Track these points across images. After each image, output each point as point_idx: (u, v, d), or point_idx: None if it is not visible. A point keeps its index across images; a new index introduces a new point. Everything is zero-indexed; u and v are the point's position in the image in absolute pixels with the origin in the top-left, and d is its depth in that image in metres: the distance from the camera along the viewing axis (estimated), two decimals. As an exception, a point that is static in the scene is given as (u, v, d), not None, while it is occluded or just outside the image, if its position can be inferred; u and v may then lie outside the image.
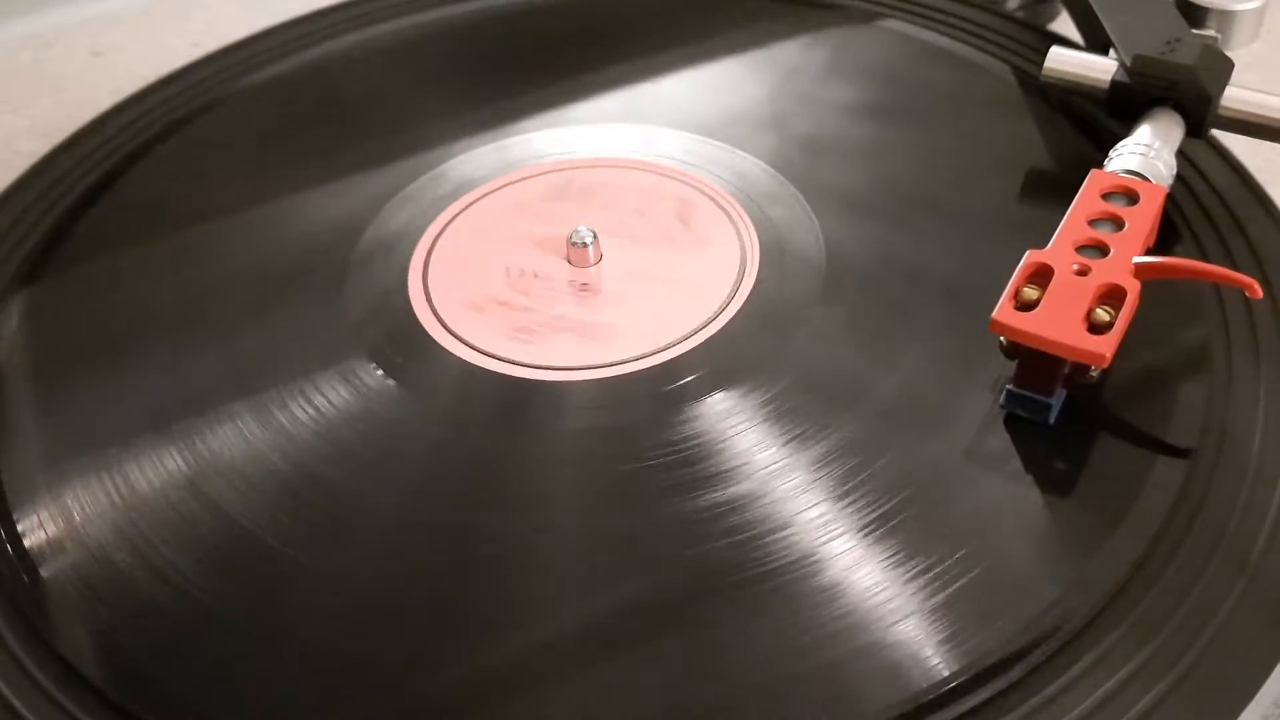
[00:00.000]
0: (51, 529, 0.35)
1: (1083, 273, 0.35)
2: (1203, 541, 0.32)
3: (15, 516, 0.35)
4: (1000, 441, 0.35)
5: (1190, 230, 0.41)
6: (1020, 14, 0.55)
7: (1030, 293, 0.34)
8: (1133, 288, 0.34)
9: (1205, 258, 0.40)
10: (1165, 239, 0.41)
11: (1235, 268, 0.40)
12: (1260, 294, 0.33)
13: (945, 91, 0.49)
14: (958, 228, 0.42)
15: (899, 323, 0.39)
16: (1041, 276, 0.35)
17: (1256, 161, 0.44)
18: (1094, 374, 0.34)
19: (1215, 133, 0.44)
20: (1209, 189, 0.43)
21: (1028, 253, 0.35)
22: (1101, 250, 0.36)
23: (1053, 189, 0.39)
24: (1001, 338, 0.35)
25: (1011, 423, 0.35)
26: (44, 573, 0.34)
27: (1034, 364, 0.34)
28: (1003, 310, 0.34)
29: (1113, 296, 0.34)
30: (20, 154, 0.52)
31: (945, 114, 0.48)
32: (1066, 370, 0.34)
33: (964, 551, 0.32)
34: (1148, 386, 0.36)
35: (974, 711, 0.29)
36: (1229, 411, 0.35)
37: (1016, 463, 0.34)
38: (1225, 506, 0.33)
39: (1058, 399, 0.35)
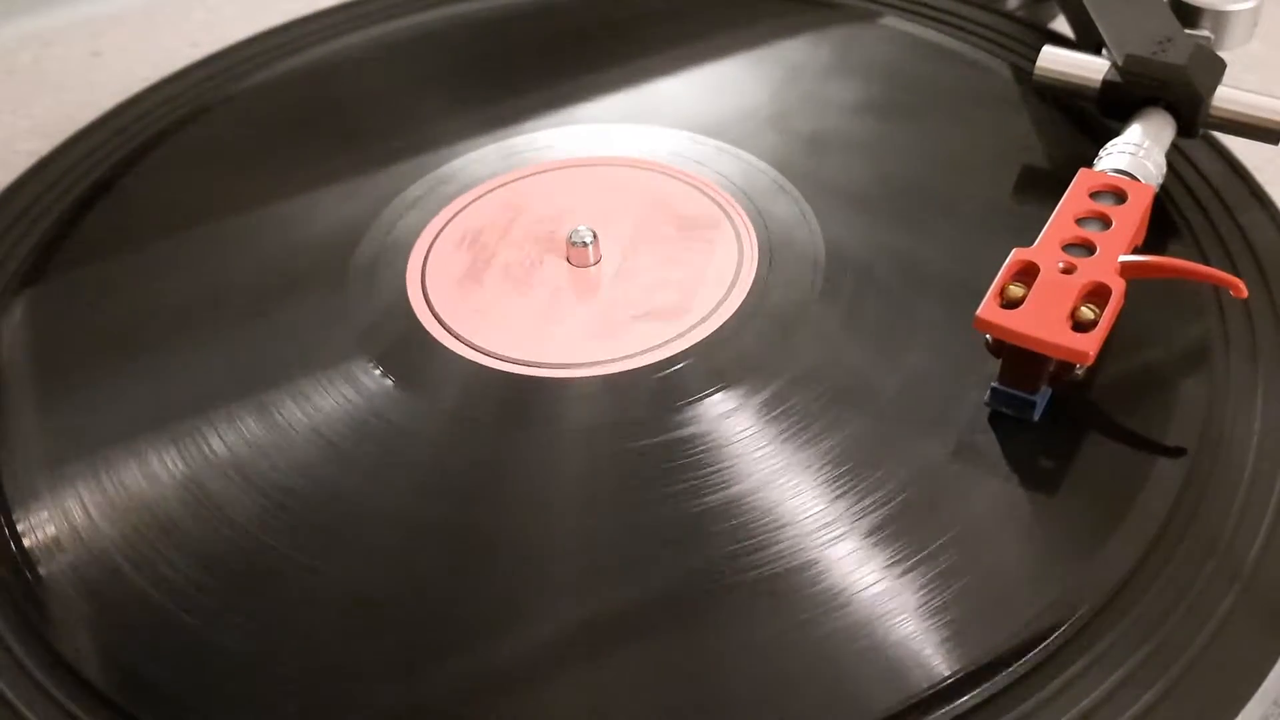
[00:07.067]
0: (51, 529, 0.35)
1: (1068, 271, 0.35)
2: (1201, 541, 0.32)
3: (15, 516, 0.36)
4: (1000, 442, 0.35)
5: (1189, 229, 0.42)
6: (1020, 13, 0.55)
7: (1015, 290, 0.34)
8: (1118, 286, 0.34)
9: (1203, 257, 0.40)
10: (1163, 237, 0.41)
11: (1234, 266, 0.40)
12: (1245, 294, 0.33)
13: (945, 90, 0.49)
14: (958, 226, 0.43)
15: (899, 321, 0.39)
16: (1027, 274, 0.35)
17: (1256, 161, 0.44)
18: (1079, 372, 0.35)
19: (1214, 132, 0.44)
20: (1208, 188, 0.43)
21: (1014, 250, 0.35)
22: (1088, 249, 0.36)
23: (1052, 188, 0.39)
24: (987, 335, 0.35)
25: (1011, 423, 0.35)
26: (44, 573, 0.34)
27: (1018, 361, 0.34)
28: (987, 308, 0.34)
29: (1098, 295, 0.34)
30: (20, 154, 0.52)
31: (944, 112, 0.48)
32: (1051, 368, 0.34)
33: (963, 551, 0.32)
34: (1146, 387, 0.36)
35: (973, 711, 0.29)
36: (1227, 411, 0.36)
37: (1016, 463, 0.34)
38: (1223, 506, 0.33)
39: (1042, 397, 0.35)
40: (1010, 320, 0.34)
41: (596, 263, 0.42)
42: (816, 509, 0.34)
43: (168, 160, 0.50)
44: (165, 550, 0.34)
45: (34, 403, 0.39)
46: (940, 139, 0.47)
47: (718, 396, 0.37)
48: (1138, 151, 0.40)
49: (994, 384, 0.35)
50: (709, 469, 0.35)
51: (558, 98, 0.50)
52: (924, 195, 0.44)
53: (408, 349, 0.40)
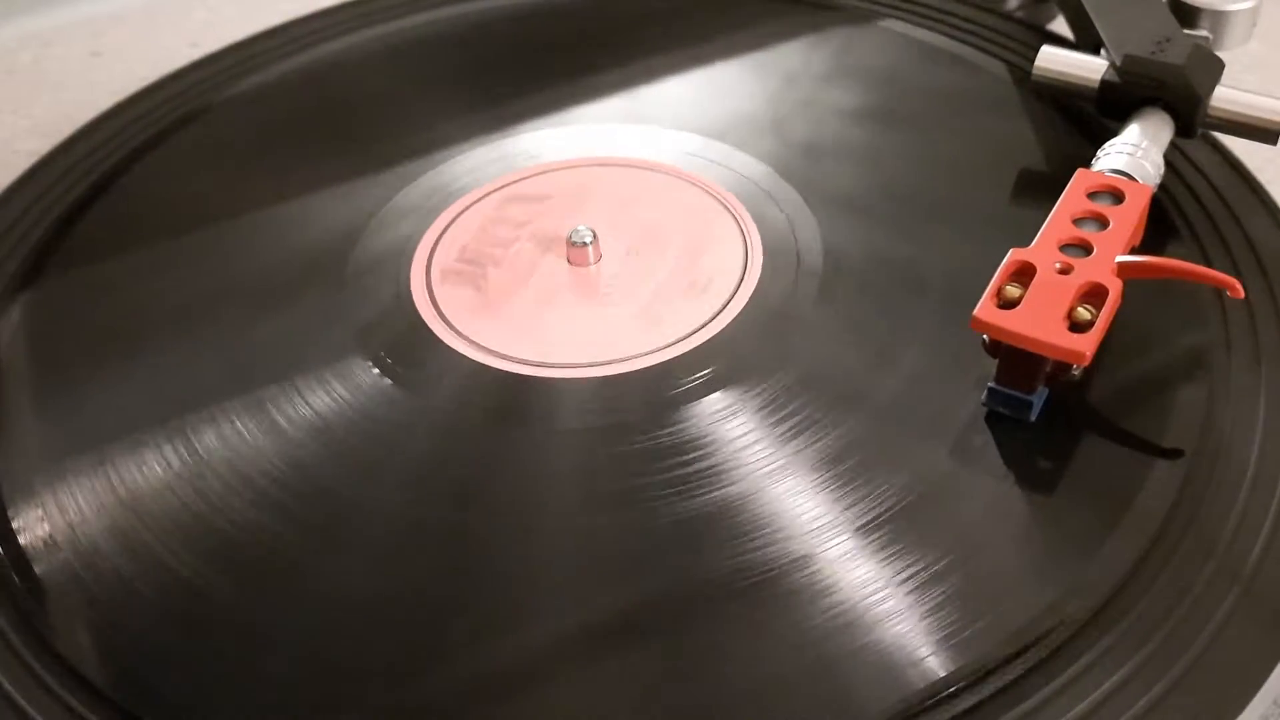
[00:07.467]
0: (50, 528, 0.35)
1: (1065, 271, 0.35)
2: (1200, 542, 0.32)
3: (13, 516, 0.36)
4: (997, 442, 0.35)
5: (1190, 231, 0.41)
6: (1019, 14, 0.55)
7: (1012, 291, 0.34)
8: (1115, 286, 0.34)
9: (1205, 258, 0.40)
10: (1164, 238, 0.41)
11: (1235, 267, 0.40)
12: (1242, 294, 0.33)
13: (944, 92, 0.49)
14: (955, 227, 0.42)
15: (899, 324, 0.39)
16: (1024, 275, 0.35)
17: (1256, 161, 0.44)
18: (1076, 372, 0.35)
19: (1215, 132, 0.44)
20: (1209, 188, 0.43)
21: (1011, 251, 0.35)
22: (1085, 249, 0.36)
23: (1050, 188, 0.39)
24: (984, 335, 0.35)
25: (1008, 423, 0.35)
26: (43, 572, 0.34)
27: (1015, 362, 0.34)
28: (984, 308, 0.34)
29: (1095, 295, 0.34)
30: (20, 154, 0.52)
31: (944, 114, 0.48)
32: (1048, 368, 0.34)
33: (962, 553, 0.32)
34: (1144, 388, 0.36)
35: (970, 712, 0.29)
36: (1227, 413, 0.35)
37: (1014, 465, 0.34)
38: (1223, 508, 0.33)
39: (1039, 397, 0.35)
40: (1007, 320, 0.34)
41: (596, 263, 0.42)
42: (814, 510, 0.34)
43: (168, 160, 0.50)
44: (164, 550, 0.34)
45: (33, 402, 0.39)
46: (938, 140, 0.47)
47: (716, 397, 0.37)
48: (1135, 151, 0.40)
49: (991, 384, 0.35)
50: (707, 470, 0.35)
51: (559, 99, 0.50)
52: (922, 196, 0.44)
53: (407, 348, 0.40)
